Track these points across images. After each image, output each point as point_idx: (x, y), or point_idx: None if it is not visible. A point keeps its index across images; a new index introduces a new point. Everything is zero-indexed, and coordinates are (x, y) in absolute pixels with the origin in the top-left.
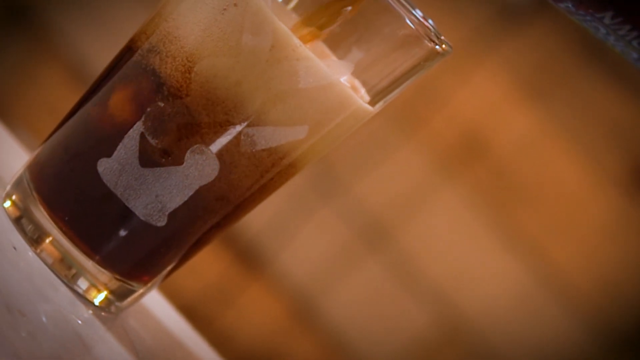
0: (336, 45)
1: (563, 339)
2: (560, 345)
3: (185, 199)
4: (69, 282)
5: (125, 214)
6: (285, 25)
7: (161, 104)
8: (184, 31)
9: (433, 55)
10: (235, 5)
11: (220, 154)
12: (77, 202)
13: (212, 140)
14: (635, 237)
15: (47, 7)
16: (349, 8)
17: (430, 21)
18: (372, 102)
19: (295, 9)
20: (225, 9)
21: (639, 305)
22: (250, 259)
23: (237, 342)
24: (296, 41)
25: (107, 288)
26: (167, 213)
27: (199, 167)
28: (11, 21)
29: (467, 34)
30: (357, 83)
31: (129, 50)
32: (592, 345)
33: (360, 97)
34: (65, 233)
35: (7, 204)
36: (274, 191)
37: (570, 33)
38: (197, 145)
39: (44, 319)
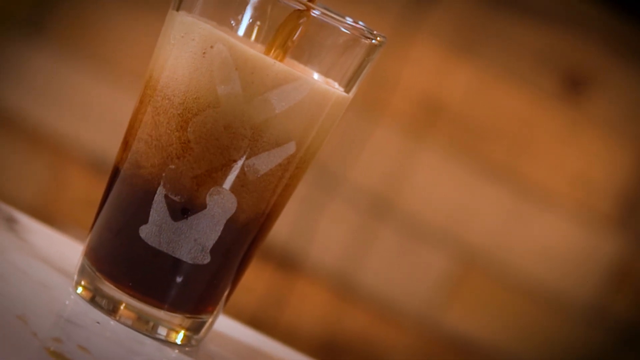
0: (291, 67)
1: (560, 238)
2: (559, 243)
3: (219, 234)
4: (151, 333)
5: (175, 264)
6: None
7: (172, 167)
8: (172, 92)
9: (373, 49)
10: (211, 47)
11: (233, 189)
12: (134, 268)
13: (223, 180)
14: (586, 133)
15: (47, 116)
16: (304, 19)
17: (360, 22)
18: (346, 91)
19: (257, 39)
20: (204, 53)
21: (612, 188)
22: (287, 263)
23: (301, 333)
24: (271, 61)
25: (182, 327)
26: (208, 251)
27: (221, 205)
28: (28, 139)
29: (393, 21)
30: (329, 80)
31: (131, 130)
32: (586, 234)
33: (336, 89)
34: (134, 296)
35: (79, 290)
36: (290, 197)
37: None
38: (213, 188)
39: None
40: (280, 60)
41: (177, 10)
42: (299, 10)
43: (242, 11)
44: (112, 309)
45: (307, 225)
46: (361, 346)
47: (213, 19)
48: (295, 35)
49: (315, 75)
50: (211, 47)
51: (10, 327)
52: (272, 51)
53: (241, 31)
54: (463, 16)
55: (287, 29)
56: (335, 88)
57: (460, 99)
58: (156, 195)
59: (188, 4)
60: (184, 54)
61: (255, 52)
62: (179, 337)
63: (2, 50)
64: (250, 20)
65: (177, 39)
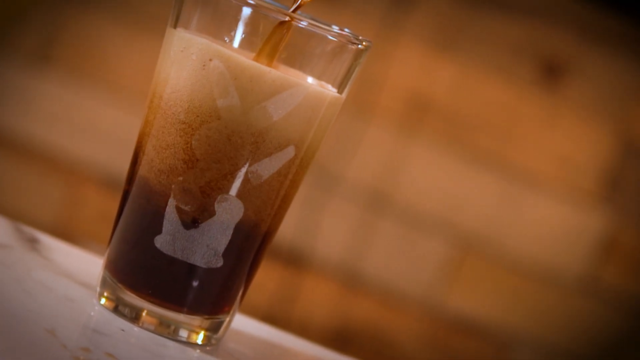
0: (285, 73)
1: (550, 217)
2: (549, 221)
3: (229, 238)
4: (173, 336)
5: (190, 269)
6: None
7: (180, 178)
8: (175, 107)
9: (360, 53)
10: (210, 60)
11: (239, 195)
12: (153, 276)
13: (229, 187)
14: (566, 116)
15: (59, 140)
16: (288, 27)
17: (346, 29)
18: (339, 92)
19: (252, 50)
20: (204, 65)
21: (595, 166)
22: (295, 261)
23: (313, 324)
24: (266, 69)
25: (202, 328)
26: (220, 255)
27: (229, 211)
28: (43, 164)
29: (376, 25)
30: (323, 83)
31: (140, 146)
32: (574, 211)
33: (329, 91)
34: (154, 303)
35: (103, 301)
36: (293, 198)
37: None
38: (220, 195)
39: None
40: (271, 65)
41: (175, 27)
42: (284, 21)
43: (234, 27)
44: (134, 317)
45: (311, 223)
46: (371, 332)
47: (209, 34)
48: (282, 44)
49: (309, 79)
50: (210, 60)
51: (41, 341)
52: (263, 59)
53: (236, 44)
54: (442, 16)
55: (274, 38)
56: (329, 90)
57: (446, 93)
58: (167, 207)
59: (184, 21)
60: (185, 68)
61: (251, 61)
62: (199, 338)
63: (13, 81)
64: (243, 36)
65: (177, 54)
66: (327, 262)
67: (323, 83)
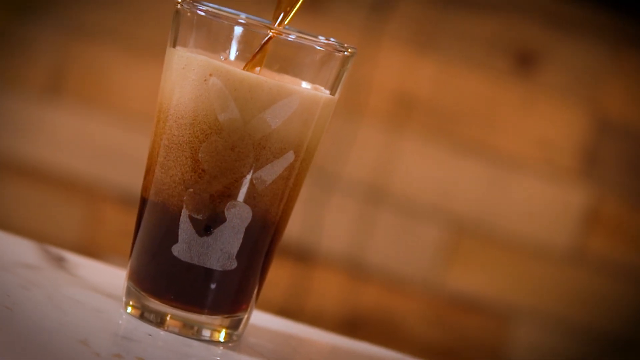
0: (281, 80)
1: (535, 195)
2: (535, 199)
3: (241, 241)
4: (196, 337)
5: (207, 273)
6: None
7: (191, 190)
8: (180, 124)
9: (346, 60)
10: (210, 75)
11: (247, 200)
12: (173, 282)
13: (237, 194)
14: (542, 101)
15: (77, 164)
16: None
17: (332, 39)
18: (332, 94)
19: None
20: (205, 80)
21: (572, 144)
22: (303, 256)
23: (325, 314)
24: (263, 78)
25: (223, 327)
26: (234, 257)
27: (238, 216)
28: (64, 187)
29: (359, 32)
30: (316, 86)
31: (151, 163)
32: (557, 188)
33: (323, 93)
34: (176, 307)
35: (129, 309)
36: (296, 198)
37: None
38: (229, 202)
39: None
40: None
41: (174, 46)
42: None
43: (228, 43)
44: (159, 321)
45: (315, 220)
46: (378, 316)
47: (207, 50)
48: (264, 54)
49: (303, 84)
50: (210, 75)
51: (75, 352)
52: (251, 70)
53: (232, 58)
54: (419, 18)
55: (258, 51)
56: (322, 92)
57: (429, 89)
58: (181, 217)
59: (183, 40)
60: (187, 84)
61: (248, 72)
62: (221, 336)
63: (28, 113)
64: (237, 52)
65: (178, 72)
66: (333, 255)
67: (317, 86)
